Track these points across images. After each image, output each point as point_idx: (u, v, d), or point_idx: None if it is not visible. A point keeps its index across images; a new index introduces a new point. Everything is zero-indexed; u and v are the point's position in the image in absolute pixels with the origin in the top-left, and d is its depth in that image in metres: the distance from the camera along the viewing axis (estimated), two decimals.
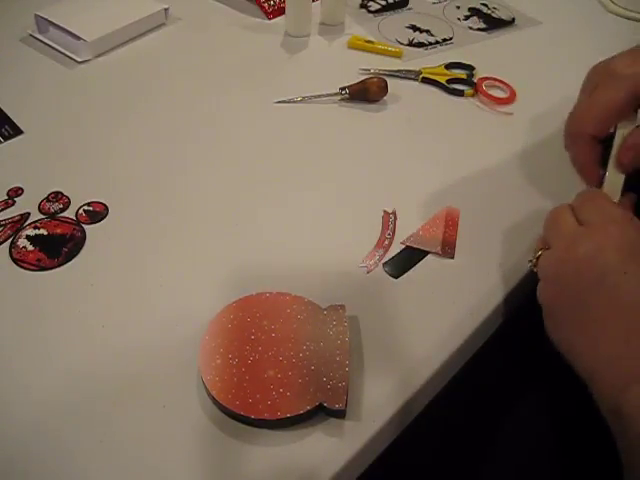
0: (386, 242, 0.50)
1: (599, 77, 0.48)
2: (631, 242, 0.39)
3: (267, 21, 0.79)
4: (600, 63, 0.49)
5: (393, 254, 0.50)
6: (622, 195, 0.45)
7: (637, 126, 0.46)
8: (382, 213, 0.53)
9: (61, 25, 0.71)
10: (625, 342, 0.37)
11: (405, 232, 0.51)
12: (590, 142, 0.46)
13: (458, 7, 0.83)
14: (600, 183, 0.46)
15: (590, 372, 0.38)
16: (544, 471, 0.49)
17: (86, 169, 0.58)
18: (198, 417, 0.39)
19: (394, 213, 0.53)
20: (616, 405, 0.35)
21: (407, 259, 0.49)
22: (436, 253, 0.50)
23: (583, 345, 0.39)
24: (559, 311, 0.41)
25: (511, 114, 0.65)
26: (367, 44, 0.74)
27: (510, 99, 0.66)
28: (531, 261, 0.44)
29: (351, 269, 0.49)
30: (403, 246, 0.50)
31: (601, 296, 0.38)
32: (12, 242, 0.50)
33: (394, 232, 0.51)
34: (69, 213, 0.53)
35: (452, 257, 0.49)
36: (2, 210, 0.53)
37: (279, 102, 0.66)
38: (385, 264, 0.49)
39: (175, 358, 0.42)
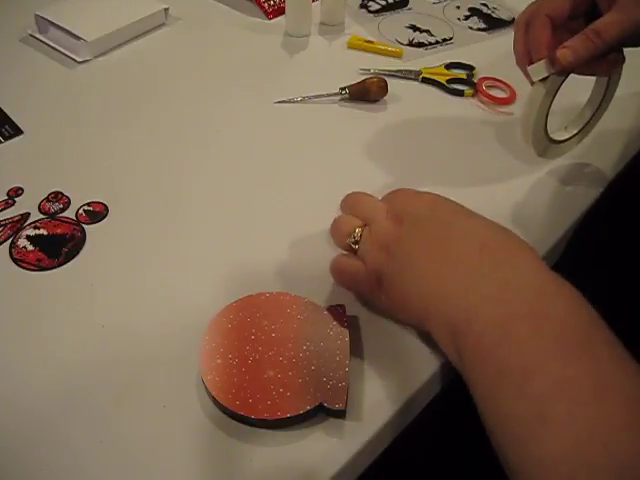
0: None
1: None
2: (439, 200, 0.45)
3: (267, 21, 0.79)
4: None
5: None
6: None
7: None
8: None
9: (61, 25, 0.71)
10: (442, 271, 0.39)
11: None
12: (545, 22, 0.49)
13: (458, 7, 0.83)
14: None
15: (425, 314, 0.40)
16: None
17: (86, 169, 0.58)
18: (198, 417, 0.39)
19: None
20: (449, 322, 0.37)
21: None
22: None
23: (412, 293, 0.40)
24: (392, 269, 0.41)
25: (511, 114, 0.65)
26: (367, 44, 0.74)
27: (510, 99, 0.66)
28: (351, 240, 0.45)
29: None
30: None
31: (418, 250, 0.41)
32: (12, 242, 0.50)
33: None
34: (69, 213, 0.53)
35: None
36: (2, 210, 0.53)
37: (279, 102, 0.66)
38: None
39: (175, 358, 0.42)
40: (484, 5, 0.83)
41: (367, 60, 0.72)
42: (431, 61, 0.72)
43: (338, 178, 0.57)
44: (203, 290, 0.47)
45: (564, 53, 0.47)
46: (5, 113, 0.63)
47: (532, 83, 0.50)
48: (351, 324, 0.44)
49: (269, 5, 0.80)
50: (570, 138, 0.55)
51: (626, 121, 0.63)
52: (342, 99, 0.66)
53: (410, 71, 0.70)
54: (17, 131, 0.61)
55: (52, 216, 0.53)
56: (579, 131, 0.56)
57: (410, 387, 0.41)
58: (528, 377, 0.32)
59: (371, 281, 0.43)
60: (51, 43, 0.73)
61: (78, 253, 0.50)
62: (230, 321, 0.43)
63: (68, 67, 0.70)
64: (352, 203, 0.48)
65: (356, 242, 0.44)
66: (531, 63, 0.50)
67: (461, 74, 0.69)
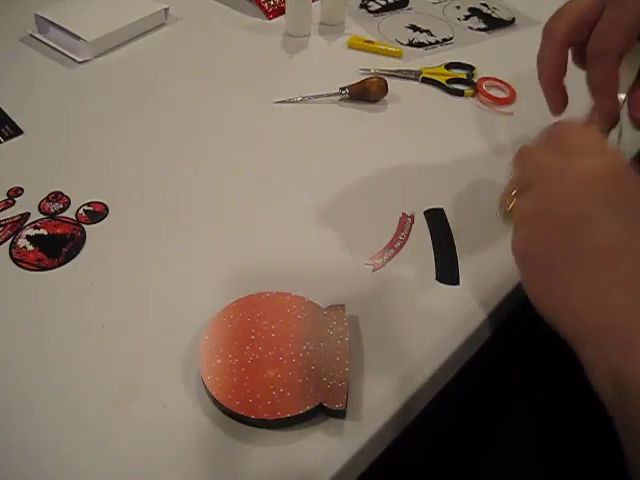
0: (398, 244, 0.51)
1: None
2: (619, 176, 0.35)
3: (267, 21, 0.79)
4: None
5: (405, 256, 0.50)
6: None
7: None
8: (400, 214, 0.53)
9: (61, 25, 0.71)
10: (625, 292, 0.31)
11: (415, 234, 0.51)
12: (616, 62, 0.42)
13: (458, 7, 0.83)
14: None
15: (580, 331, 0.32)
16: (545, 471, 0.49)
17: (86, 169, 0.58)
18: (198, 417, 0.39)
19: (412, 216, 0.53)
20: (614, 370, 0.30)
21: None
22: None
23: (572, 297, 0.33)
24: (542, 259, 0.35)
25: (511, 114, 0.65)
26: (367, 44, 0.74)
27: (510, 99, 0.66)
28: (502, 208, 0.40)
29: (352, 270, 0.49)
30: (408, 251, 0.50)
31: (593, 239, 0.33)
32: (12, 242, 0.50)
33: (408, 235, 0.51)
34: (69, 213, 0.53)
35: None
36: (2, 210, 0.53)
37: (279, 102, 0.66)
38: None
39: (175, 358, 0.42)
40: (484, 5, 0.83)
41: (367, 60, 0.72)
42: (431, 61, 0.72)
43: (338, 178, 0.57)
44: (203, 290, 0.47)
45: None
46: (5, 113, 0.63)
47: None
48: (351, 324, 0.44)
49: (269, 5, 0.80)
50: None
51: None
52: (342, 99, 0.66)
53: (410, 71, 0.70)
54: (17, 131, 0.61)
55: (52, 216, 0.53)
56: None
57: (410, 387, 0.41)
58: None
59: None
60: (51, 43, 0.73)
61: (78, 253, 0.50)
62: (230, 321, 0.43)
63: (68, 67, 0.70)
64: (519, 158, 0.41)
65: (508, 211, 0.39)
66: (559, 86, 0.45)
67: (461, 74, 0.69)
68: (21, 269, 0.48)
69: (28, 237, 0.51)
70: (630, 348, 0.29)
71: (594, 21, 0.43)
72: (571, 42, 0.44)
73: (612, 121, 0.44)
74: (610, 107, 0.43)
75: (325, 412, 0.39)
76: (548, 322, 0.34)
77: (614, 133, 0.44)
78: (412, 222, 0.53)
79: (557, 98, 0.46)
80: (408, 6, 0.83)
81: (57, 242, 0.50)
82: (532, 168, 0.38)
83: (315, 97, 0.66)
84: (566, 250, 0.34)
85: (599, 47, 0.42)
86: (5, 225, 0.52)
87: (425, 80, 0.69)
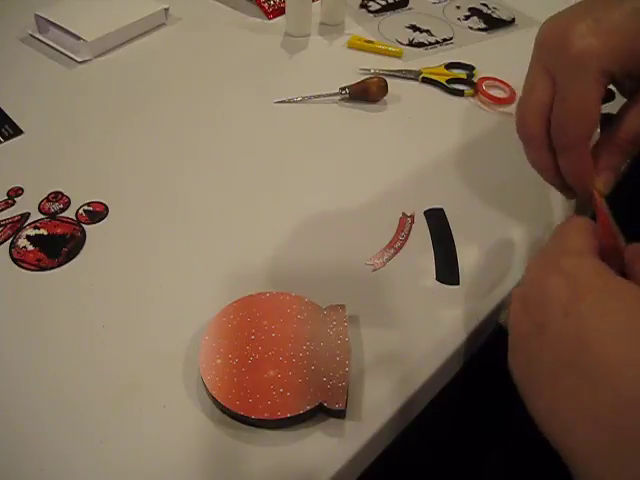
0: (398, 244, 0.51)
1: (555, 60, 0.39)
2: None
3: (267, 21, 0.79)
4: (553, 31, 0.39)
5: (405, 256, 0.50)
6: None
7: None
8: (400, 214, 0.53)
9: (61, 25, 0.71)
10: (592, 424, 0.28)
11: (415, 234, 0.51)
12: (584, 149, 0.39)
13: (458, 7, 0.83)
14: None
15: (577, 459, 0.29)
16: (545, 472, 0.49)
17: (86, 169, 0.58)
18: (198, 417, 0.39)
19: (412, 216, 0.53)
20: None
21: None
22: None
23: (558, 421, 0.30)
24: (541, 376, 0.32)
25: (511, 114, 0.65)
26: (367, 44, 0.74)
27: (510, 99, 0.66)
28: (503, 319, 0.37)
29: (352, 270, 0.49)
30: (408, 251, 0.50)
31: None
32: (12, 242, 0.50)
33: (408, 235, 0.51)
34: (69, 213, 0.53)
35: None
36: (2, 210, 0.53)
37: (279, 102, 0.66)
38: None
39: (175, 358, 0.42)
40: (484, 5, 0.83)
41: (367, 60, 0.72)
42: (431, 61, 0.72)
43: (338, 178, 0.57)
44: (203, 290, 0.47)
45: (608, 181, 0.39)
46: (5, 113, 0.63)
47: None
48: (351, 324, 0.44)
49: (269, 5, 0.80)
50: None
51: None
52: (342, 99, 0.66)
53: (410, 71, 0.70)
54: (17, 131, 0.61)
55: (52, 216, 0.53)
56: None
57: (410, 387, 0.41)
58: None
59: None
60: (51, 43, 0.73)
61: (78, 253, 0.50)
62: (230, 321, 0.43)
63: (68, 67, 0.70)
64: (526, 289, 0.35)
65: None
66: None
67: (461, 74, 0.69)
68: (21, 269, 0.48)
69: (28, 237, 0.51)
70: None
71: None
72: (544, 134, 0.41)
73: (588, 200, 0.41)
74: (586, 190, 0.40)
75: (325, 412, 0.39)
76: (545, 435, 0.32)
77: None
78: (412, 222, 0.53)
79: (567, 186, 0.42)
80: (408, 6, 0.83)
81: (57, 242, 0.50)
82: (540, 306, 0.33)
83: (315, 97, 0.66)
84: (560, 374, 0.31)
85: (560, 142, 0.40)
86: (5, 225, 0.52)
87: (425, 80, 0.69)
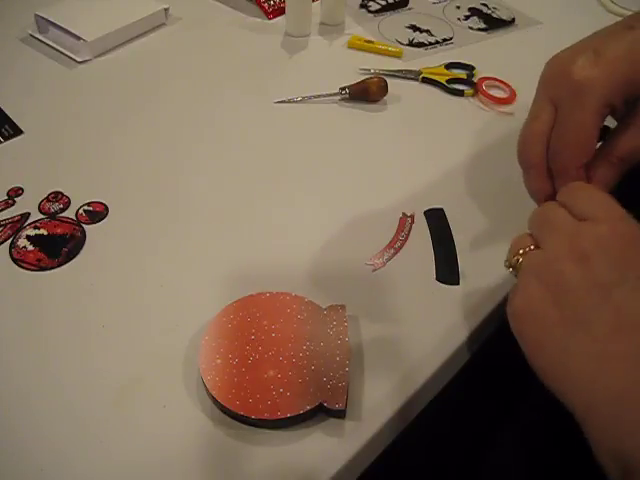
0: (398, 244, 0.51)
1: (558, 91, 0.40)
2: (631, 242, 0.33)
3: (267, 21, 0.79)
4: (556, 64, 0.41)
5: (405, 256, 0.50)
6: None
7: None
8: (400, 214, 0.53)
9: (61, 25, 0.71)
10: (635, 371, 0.30)
11: (415, 234, 0.51)
12: (579, 173, 0.41)
13: (458, 7, 0.83)
14: None
15: (587, 408, 0.31)
16: (545, 472, 0.49)
17: (86, 169, 0.58)
18: (198, 417, 0.39)
19: (412, 216, 0.53)
20: (621, 453, 0.29)
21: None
22: None
23: (580, 372, 0.31)
24: (544, 323, 0.33)
25: (511, 114, 0.65)
26: (367, 44, 0.74)
27: (510, 99, 0.66)
28: (510, 262, 0.38)
29: (352, 270, 0.49)
30: (408, 251, 0.50)
31: (608, 311, 0.31)
32: (12, 242, 0.50)
33: (408, 235, 0.51)
34: (69, 213, 0.53)
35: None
36: (2, 210, 0.53)
37: (279, 102, 0.66)
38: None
39: (175, 358, 0.42)
40: (484, 5, 0.83)
41: (367, 60, 0.72)
42: (431, 61, 0.72)
43: (338, 178, 0.57)
44: (203, 290, 0.47)
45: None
46: (5, 113, 0.63)
47: None
48: (351, 324, 0.44)
49: (269, 5, 0.80)
50: None
51: None
52: (342, 99, 0.66)
53: (410, 71, 0.70)
54: (17, 131, 0.61)
55: (52, 216, 0.53)
56: None
57: (410, 387, 0.41)
58: None
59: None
60: (51, 43, 0.73)
61: (78, 253, 0.50)
62: (230, 321, 0.43)
63: (68, 67, 0.70)
64: (536, 216, 0.39)
65: (512, 267, 0.37)
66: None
67: (461, 74, 0.69)
68: (21, 269, 0.48)
69: (28, 237, 0.51)
70: (633, 432, 0.29)
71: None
72: (543, 162, 0.42)
73: None
74: None
75: (325, 412, 0.39)
76: (554, 393, 0.33)
77: None
78: (412, 222, 0.53)
79: None
80: (408, 6, 0.83)
81: (57, 242, 0.50)
82: (545, 227, 0.37)
83: (315, 97, 0.66)
84: (572, 320, 0.32)
85: (556, 167, 0.41)
86: (5, 225, 0.52)
87: (425, 80, 0.69)
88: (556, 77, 0.41)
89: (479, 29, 0.79)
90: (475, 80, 0.68)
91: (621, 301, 0.31)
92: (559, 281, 0.33)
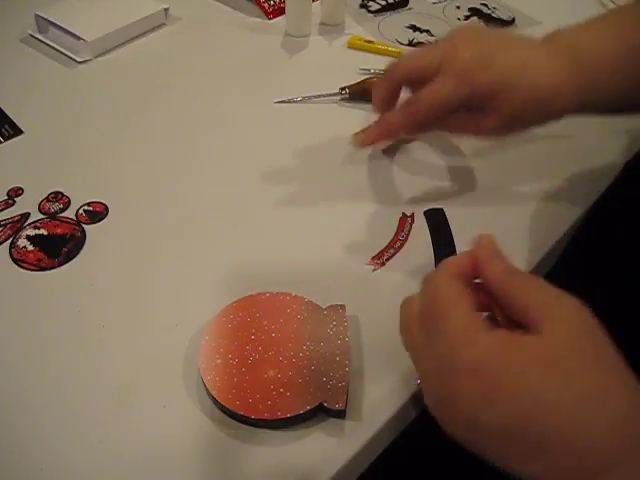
0: (398, 244, 0.51)
1: (456, 60, 0.47)
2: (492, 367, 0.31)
3: (267, 21, 0.79)
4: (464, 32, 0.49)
5: (405, 256, 0.50)
6: None
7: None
8: (400, 214, 0.53)
9: (61, 25, 0.71)
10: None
11: (415, 234, 0.51)
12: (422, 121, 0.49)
13: (458, 7, 0.83)
14: None
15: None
16: None
17: (86, 169, 0.58)
18: (198, 417, 0.39)
19: (412, 216, 0.53)
20: None
21: None
22: None
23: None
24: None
25: None
26: (367, 44, 0.74)
27: None
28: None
29: (352, 270, 0.49)
30: (408, 251, 0.50)
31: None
32: (12, 242, 0.50)
33: (408, 235, 0.51)
34: (69, 213, 0.53)
35: None
36: (2, 210, 0.53)
37: (279, 102, 0.66)
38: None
39: (175, 358, 0.42)
40: (484, 5, 0.83)
41: (367, 60, 0.72)
42: None
43: (338, 178, 0.57)
44: (203, 290, 0.47)
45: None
46: (5, 113, 0.63)
47: None
48: (351, 324, 0.44)
49: (269, 5, 0.80)
50: None
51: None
52: (342, 99, 0.66)
53: None
54: (17, 131, 0.61)
55: (52, 216, 0.53)
56: None
57: (410, 387, 0.41)
58: None
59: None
60: (51, 43, 0.72)
61: (78, 253, 0.50)
62: (230, 321, 0.43)
63: (68, 67, 0.70)
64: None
65: None
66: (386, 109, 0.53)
67: None
68: (21, 269, 0.48)
69: (28, 237, 0.51)
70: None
71: (428, 77, 0.47)
72: (402, 85, 0.51)
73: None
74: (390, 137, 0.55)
75: (325, 412, 0.39)
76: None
77: None
78: (412, 222, 0.53)
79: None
80: (408, 6, 0.83)
81: (57, 242, 0.50)
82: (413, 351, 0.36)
83: (315, 97, 0.66)
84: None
85: (410, 109, 0.49)
86: (5, 225, 0.52)
87: None
88: (469, 57, 0.46)
89: None
90: None
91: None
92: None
